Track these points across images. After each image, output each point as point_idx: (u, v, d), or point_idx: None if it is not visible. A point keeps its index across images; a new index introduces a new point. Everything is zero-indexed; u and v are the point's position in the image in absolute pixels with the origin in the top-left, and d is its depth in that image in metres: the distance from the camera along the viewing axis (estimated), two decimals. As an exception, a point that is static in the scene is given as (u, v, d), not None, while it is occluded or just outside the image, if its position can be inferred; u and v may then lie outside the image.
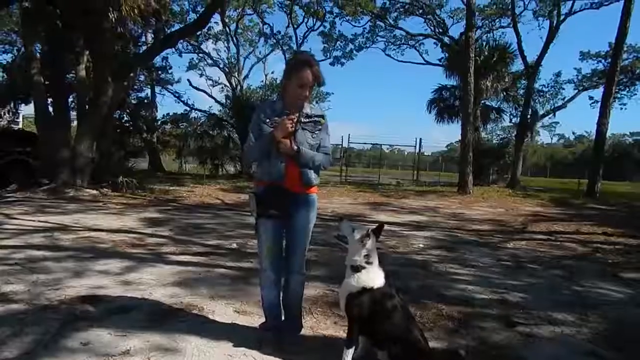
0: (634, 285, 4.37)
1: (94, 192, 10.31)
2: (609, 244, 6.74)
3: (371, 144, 29.21)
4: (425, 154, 25.05)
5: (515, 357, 2.61)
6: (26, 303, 3.10)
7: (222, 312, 3.11)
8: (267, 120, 2.48)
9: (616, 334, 3.03)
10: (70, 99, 14.05)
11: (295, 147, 2.41)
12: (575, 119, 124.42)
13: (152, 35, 19.75)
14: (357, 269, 2.26)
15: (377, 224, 2.38)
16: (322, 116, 2.59)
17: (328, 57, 27.18)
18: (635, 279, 4.61)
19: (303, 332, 2.74)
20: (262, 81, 33.47)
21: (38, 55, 11.40)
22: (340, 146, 22.28)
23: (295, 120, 2.41)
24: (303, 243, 2.59)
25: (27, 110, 23.68)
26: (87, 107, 11.97)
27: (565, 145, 64.47)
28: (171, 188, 12.49)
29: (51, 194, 9.67)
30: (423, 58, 27.21)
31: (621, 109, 27.18)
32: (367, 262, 2.27)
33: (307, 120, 2.51)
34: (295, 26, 26.25)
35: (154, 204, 9.44)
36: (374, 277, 2.27)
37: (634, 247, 6.51)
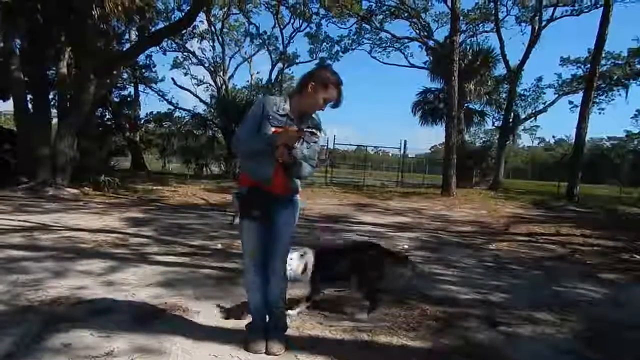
0: (611, 285, 4.50)
1: (75, 191, 10.12)
2: (587, 245, 6.91)
3: (356, 145, 29.43)
4: (409, 156, 25.23)
5: (498, 356, 2.66)
6: (5, 304, 3.03)
7: (207, 312, 3.09)
8: (270, 117, 2.43)
9: (594, 333, 3.11)
10: (51, 96, 13.76)
11: (293, 158, 2.39)
12: (556, 123, 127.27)
13: (136, 33, 19.54)
14: None
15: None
16: (320, 128, 2.59)
17: (314, 58, 27.31)
18: (612, 279, 4.74)
19: (288, 332, 2.74)
20: (248, 81, 33.41)
21: (18, 50, 11.12)
22: (325, 147, 22.30)
23: (303, 134, 2.42)
24: (285, 245, 2.58)
25: (5, 106, 23.10)
26: (68, 104, 11.75)
27: (546, 149, 65.69)
28: (154, 188, 12.32)
29: (31, 193, 9.46)
30: (408, 61, 27.52)
31: (599, 113, 27.95)
32: None
33: (307, 130, 2.51)
34: (281, 27, 26.26)
35: (137, 204, 9.32)
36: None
37: (611, 249, 6.68)
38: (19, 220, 6.35)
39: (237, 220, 2.55)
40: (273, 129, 2.41)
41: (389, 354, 2.59)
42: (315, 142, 2.55)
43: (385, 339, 2.80)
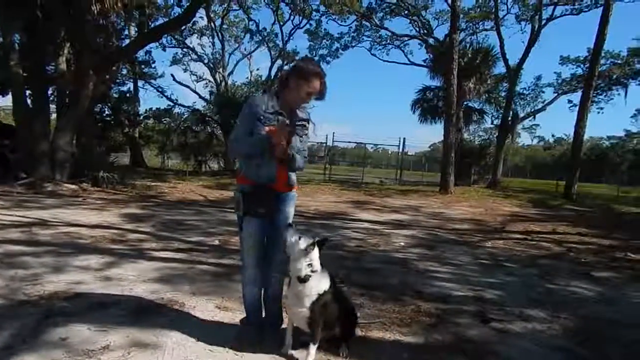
0: (605, 284, 4.54)
1: (74, 187, 10.14)
2: (582, 243, 6.96)
3: (355, 142, 29.43)
4: (408, 153, 25.30)
5: (489, 351, 2.70)
6: (4, 298, 3.07)
7: (203, 307, 3.13)
8: (262, 117, 2.46)
9: (584, 330, 3.16)
10: (50, 92, 13.76)
11: (290, 153, 2.45)
12: (555, 122, 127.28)
13: (136, 29, 19.52)
14: (304, 279, 2.31)
15: (323, 238, 2.46)
16: (308, 120, 2.64)
17: (314, 55, 27.22)
18: (605, 278, 4.79)
19: (283, 327, 2.77)
20: (247, 77, 33.38)
21: (17, 45, 11.11)
22: (324, 144, 22.34)
23: (294, 129, 2.48)
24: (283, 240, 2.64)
25: (4, 102, 23.12)
26: (67, 100, 11.75)
27: (545, 148, 65.70)
28: (153, 184, 12.35)
29: (29, 189, 9.48)
30: (408, 59, 27.55)
31: (598, 113, 27.98)
32: (312, 271, 2.33)
33: (298, 123, 2.56)
34: (281, 23, 26.18)
35: (136, 200, 9.34)
36: (323, 281, 2.37)
37: (606, 247, 6.73)
38: (18, 216, 6.38)
39: (237, 217, 2.56)
40: (267, 128, 2.42)
41: (381, 348, 2.63)
42: (305, 134, 2.62)
43: (378, 334, 2.84)
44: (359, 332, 2.84)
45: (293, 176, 2.60)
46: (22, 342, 2.42)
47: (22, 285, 3.35)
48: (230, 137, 2.54)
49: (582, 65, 25.32)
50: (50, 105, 12.73)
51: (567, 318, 3.36)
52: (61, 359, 2.28)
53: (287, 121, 2.47)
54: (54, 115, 13.19)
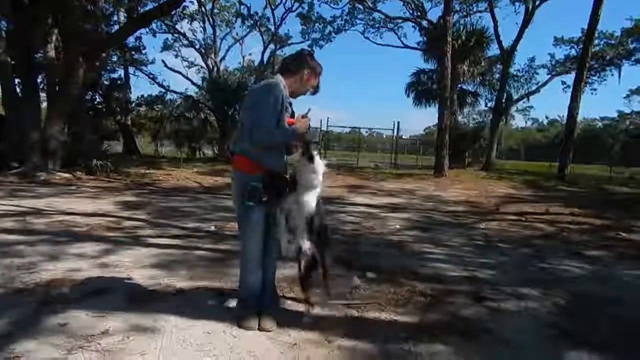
0: (595, 262, 4.62)
1: (67, 175, 10.09)
2: (575, 223, 7.04)
3: (350, 127, 29.46)
4: (403, 137, 25.30)
5: (483, 329, 2.75)
6: (0, 287, 3.07)
7: (201, 292, 3.15)
8: (286, 107, 2.52)
9: (575, 307, 3.22)
10: (40, 80, 13.56)
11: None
12: (549, 104, 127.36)
13: (125, 14, 19.17)
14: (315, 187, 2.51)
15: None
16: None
17: (306, 39, 26.95)
18: (596, 256, 4.87)
19: (280, 309, 2.81)
20: (240, 63, 33.05)
21: (4, 33, 10.90)
22: (319, 129, 22.26)
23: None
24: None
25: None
26: (57, 88, 11.59)
27: (539, 129, 65.91)
28: (147, 171, 12.30)
29: (22, 178, 9.42)
30: (401, 41, 27.40)
31: (592, 94, 27.94)
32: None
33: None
34: (273, 7, 25.81)
35: (130, 188, 9.31)
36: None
37: (598, 227, 6.82)
38: (12, 205, 6.34)
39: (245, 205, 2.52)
40: (287, 119, 2.52)
41: (377, 328, 2.67)
42: None
43: (374, 314, 2.89)
44: (354, 313, 2.89)
45: None
46: (21, 329, 2.43)
47: (19, 273, 3.36)
48: (263, 125, 2.41)
49: (575, 46, 25.25)
50: (41, 93, 12.56)
51: (559, 296, 3.42)
52: (61, 344, 2.29)
53: (307, 117, 2.61)
54: (44, 104, 13.02)
